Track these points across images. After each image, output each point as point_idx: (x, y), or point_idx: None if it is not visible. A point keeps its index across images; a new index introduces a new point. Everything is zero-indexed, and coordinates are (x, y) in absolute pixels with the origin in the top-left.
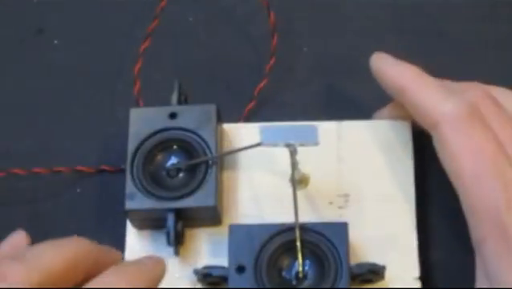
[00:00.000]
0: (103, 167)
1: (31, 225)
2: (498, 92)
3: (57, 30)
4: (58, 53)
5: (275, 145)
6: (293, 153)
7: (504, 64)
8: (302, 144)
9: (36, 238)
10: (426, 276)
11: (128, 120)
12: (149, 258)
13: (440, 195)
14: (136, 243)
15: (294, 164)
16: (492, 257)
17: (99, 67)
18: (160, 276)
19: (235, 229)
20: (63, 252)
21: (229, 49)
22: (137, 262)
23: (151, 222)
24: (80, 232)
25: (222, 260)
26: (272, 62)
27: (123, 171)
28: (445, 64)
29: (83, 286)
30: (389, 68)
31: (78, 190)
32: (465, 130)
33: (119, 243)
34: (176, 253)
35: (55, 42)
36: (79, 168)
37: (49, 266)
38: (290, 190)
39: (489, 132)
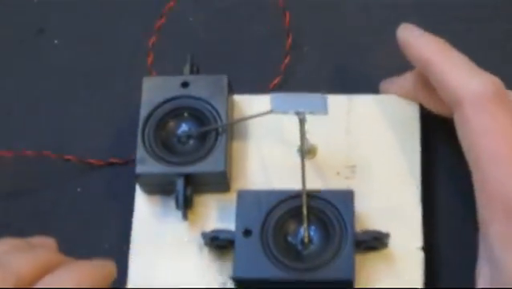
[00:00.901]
0: (104, 162)
1: (31, 225)
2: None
3: (57, 30)
4: (59, 53)
5: (285, 113)
6: (302, 121)
7: (505, 64)
8: (311, 113)
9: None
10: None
11: (128, 120)
12: (100, 259)
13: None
14: (145, 208)
15: (303, 132)
16: (497, 240)
17: (99, 67)
18: (110, 276)
19: (243, 195)
20: (32, 258)
21: (228, 49)
22: (87, 261)
23: (160, 188)
24: (80, 231)
25: (230, 225)
26: (287, 60)
27: (124, 166)
28: None
29: (37, 283)
30: (416, 40)
31: (78, 190)
32: (489, 110)
33: (121, 242)
34: (185, 217)
35: (55, 42)
36: (85, 161)
37: (19, 270)
38: (298, 160)
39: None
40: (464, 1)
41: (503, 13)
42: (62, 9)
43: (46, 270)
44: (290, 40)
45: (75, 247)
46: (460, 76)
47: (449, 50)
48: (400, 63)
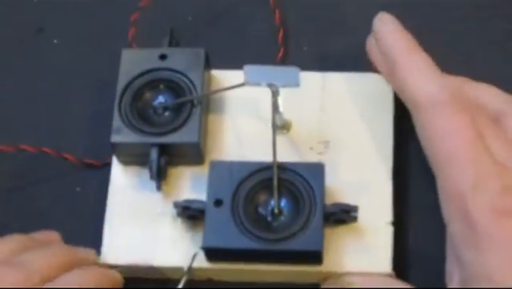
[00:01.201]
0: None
1: (30, 225)
2: (484, 90)
3: (57, 29)
4: (58, 52)
5: (258, 85)
6: (275, 94)
7: (504, 63)
8: (284, 86)
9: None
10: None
11: None
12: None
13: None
14: (121, 178)
15: (275, 104)
16: (457, 238)
17: (98, 66)
18: (117, 283)
19: (215, 165)
20: (51, 256)
21: (227, 47)
22: (97, 267)
23: (136, 158)
24: (79, 231)
25: (203, 198)
26: (280, 54)
27: None
28: (445, 63)
29: (48, 283)
30: (387, 35)
31: (77, 189)
32: (443, 113)
33: None
34: (159, 188)
35: (55, 41)
36: (84, 162)
37: (41, 269)
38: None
39: (469, 118)
40: (463, 0)
41: (503, 12)
42: (62, 8)
43: (63, 266)
44: (281, 34)
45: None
46: (418, 80)
47: (416, 52)
48: None
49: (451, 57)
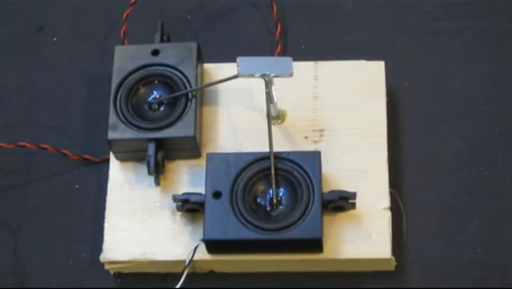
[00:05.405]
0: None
1: (29, 222)
2: None
3: (56, 27)
4: (58, 50)
5: (252, 76)
6: (268, 84)
7: (503, 61)
8: (277, 75)
9: (33, 233)
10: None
11: None
12: None
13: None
14: (119, 175)
15: (269, 94)
16: None
17: (96, 63)
18: None
19: (212, 157)
20: None
21: (227, 47)
22: None
23: (133, 154)
24: (79, 226)
25: (201, 190)
26: (278, 50)
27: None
28: (444, 61)
29: None
30: None
31: (76, 186)
32: None
33: None
34: (157, 182)
35: (54, 39)
36: (83, 157)
37: None
38: (267, 126)
39: None
40: (463, 0)
41: (502, 11)
42: (62, 7)
43: None
44: (279, 30)
45: (74, 242)
46: None
47: None
48: (399, 61)
49: (449, 55)
